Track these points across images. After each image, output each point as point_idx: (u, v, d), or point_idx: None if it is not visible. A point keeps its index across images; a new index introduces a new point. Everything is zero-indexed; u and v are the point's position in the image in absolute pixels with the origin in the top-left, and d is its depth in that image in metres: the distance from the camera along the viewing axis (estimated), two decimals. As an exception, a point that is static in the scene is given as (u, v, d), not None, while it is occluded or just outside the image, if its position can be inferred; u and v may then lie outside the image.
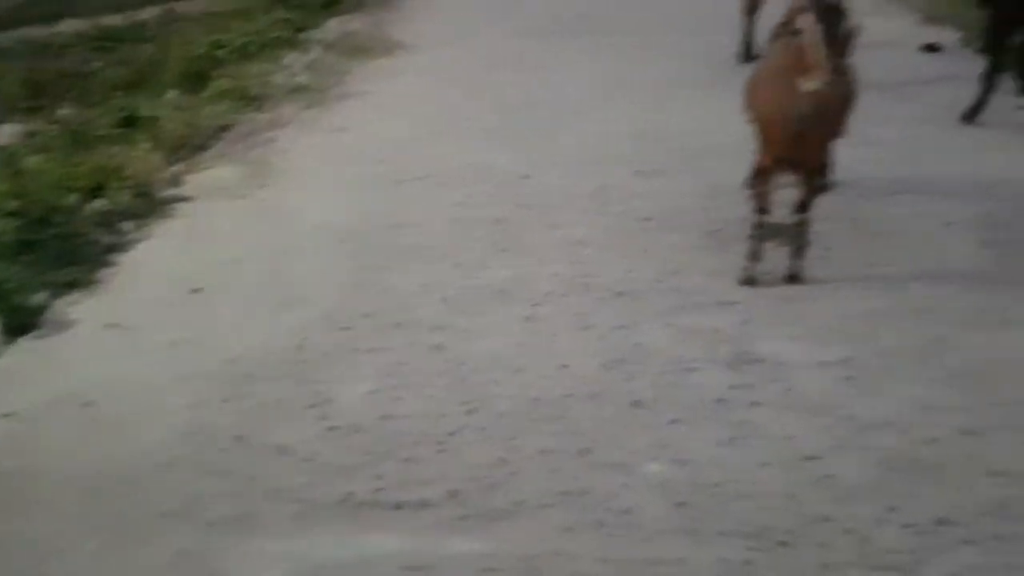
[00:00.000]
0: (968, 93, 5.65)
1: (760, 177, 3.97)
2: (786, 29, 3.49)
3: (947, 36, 7.02)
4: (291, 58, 6.89)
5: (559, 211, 4.73)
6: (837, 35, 3.32)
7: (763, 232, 4.08)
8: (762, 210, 4.03)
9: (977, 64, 5.74)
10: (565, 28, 7.38)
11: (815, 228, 4.42)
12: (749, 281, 4.10)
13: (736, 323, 3.87)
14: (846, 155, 5.15)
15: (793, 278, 4.13)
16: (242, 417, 3.49)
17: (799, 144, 3.76)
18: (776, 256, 4.17)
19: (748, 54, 6.33)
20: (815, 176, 3.97)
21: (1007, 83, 5.81)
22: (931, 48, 6.79)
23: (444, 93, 6.24)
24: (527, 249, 4.40)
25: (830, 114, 3.76)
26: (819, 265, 4.23)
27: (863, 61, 6.50)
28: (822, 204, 4.67)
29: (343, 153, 5.42)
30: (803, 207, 4.03)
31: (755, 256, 4.11)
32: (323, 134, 5.69)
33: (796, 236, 4.09)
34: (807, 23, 3.36)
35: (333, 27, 7.62)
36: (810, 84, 3.41)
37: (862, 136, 5.39)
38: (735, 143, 4.38)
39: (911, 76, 6.39)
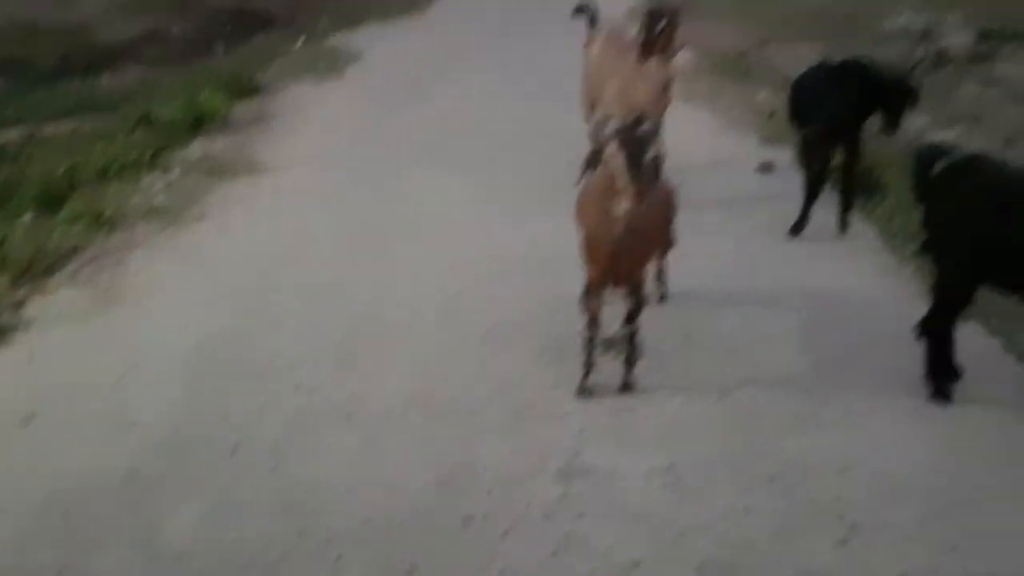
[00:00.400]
0: (797, 209, 6.06)
1: (589, 292, 4.17)
2: (596, 157, 3.74)
3: (782, 156, 7.53)
4: (151, 179, 6.91)
5: (406, 327, 4.83)
6: (642, 162, 3.58)
7: (596, 345, 4.26)
8: (593, 323, 4.22)
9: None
10: (427, 150, 7.64)
11: (651, 339, 4.66)
12: (585, 393, 4.25)
13: (569, 435, 4.00)
14: (683, 269, 5.45)
15: (626, 388, 4.30)
16: (66, 550, 3.41)
17: (618, 262, 3.98)
18: (613, 367, 4.35)
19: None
20: (640, 290, 4.19)
21: (834, 197, 6.27)
22: (766, 167, 7.27)
23: (302, 213, 6.34)
24: (370, 367, 4.47)
25: (646, 233, 4.00)
26: (653, 375, 4.42)
27: (704, 180, 7.08)
28: (659, 316, 4.97)
29: (194, 275, 5.43)
30: (630, 319, 4.23)
31: (590, 368, 4.27)
32: (176, 256, 5.70)
33: (627, 348, 4.29)
34: (612, 152, 3.62)
35: (197, 148, 7.69)
36: (618, 208, 3.65)
37: (699, 250, 5.75)
38: (578, 257, 4.60)
39: (747, 193, 6.81)
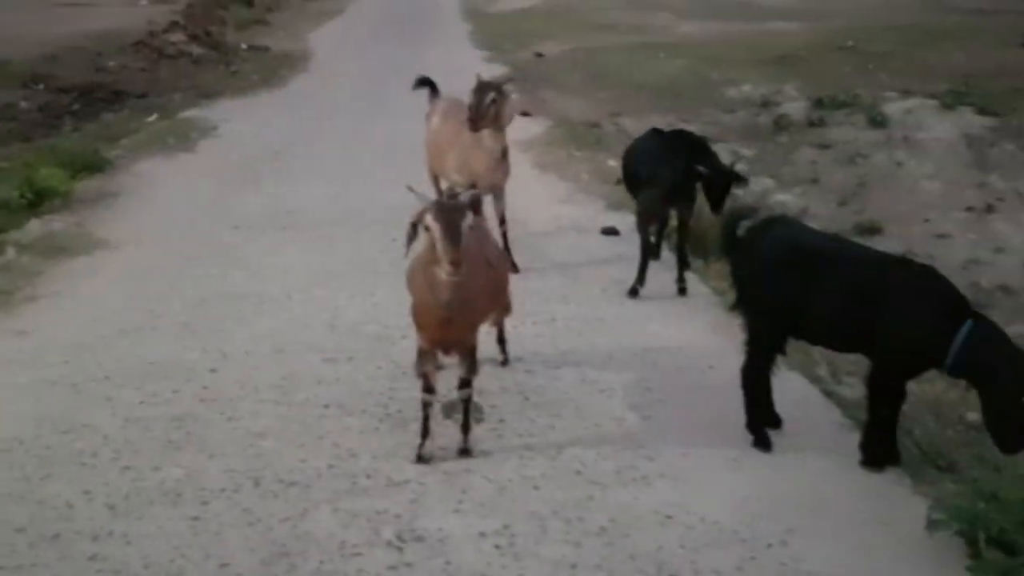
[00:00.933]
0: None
1: (422, 358, 4.23)
2: (414, 229, 3.84)
3: (626, 220, 7.83)
4: (-19, 262, 6.65)
5: (242, 403, 4.76)
6: (459, 231, 3.69)
7: (432, 410, 4.30)
8: (428, 389, 4.26)
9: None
10: (273, 223, 7.62)
11: (491, 402, 4.75)
12: (423, 459, 4.28)
13: (404, 502, 4.01)
14: (525, 332, 5.60)
15: (464, 453, 4.35)
16: None
17: (446, 329, 4.06)
18: (453, 432, 4.40)
19: None
20: (472, 356, 4.27)
21: (671, 259, 6.56)
22: (610, 231, 7.55)
23: (140, 290, 6.20)
24: (204, 445, 4.38)
25: (475, 299, 4.09)
26: (490, 437, 4.50)
27: (550, 244, 7.29)
28: (500, 379, 5.07)
29: (21, 358, 5.23)
30: (464, 385, 4.30)
31: (427, 434, 4.31)
32: (2, 339, 5.48)
33: (463, 412, 4.34)
34: (428, 222, 3.72)
35: (34, 227, 7.44)
36: (440, 275, 3.74)
37: (541, 313, 5.92)
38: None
39: (591, 257, 7.04)
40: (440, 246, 3.68)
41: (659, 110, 15.30)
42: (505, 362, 5.21)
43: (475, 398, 4.36)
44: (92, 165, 9.26)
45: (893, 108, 13.43)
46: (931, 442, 4.60)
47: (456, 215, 3.70)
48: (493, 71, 16.31)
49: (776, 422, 4.61)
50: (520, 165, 9.88)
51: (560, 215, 8.15)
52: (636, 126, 14.40)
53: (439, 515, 3.92)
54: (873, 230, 11.74)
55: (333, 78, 15.12)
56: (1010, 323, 5.29)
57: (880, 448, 4.28)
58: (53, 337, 5.47)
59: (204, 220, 7.77)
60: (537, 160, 10.16)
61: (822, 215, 12.37)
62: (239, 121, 11.82)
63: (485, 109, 5.78)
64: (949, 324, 3.92)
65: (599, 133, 12.40)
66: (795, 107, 14.87)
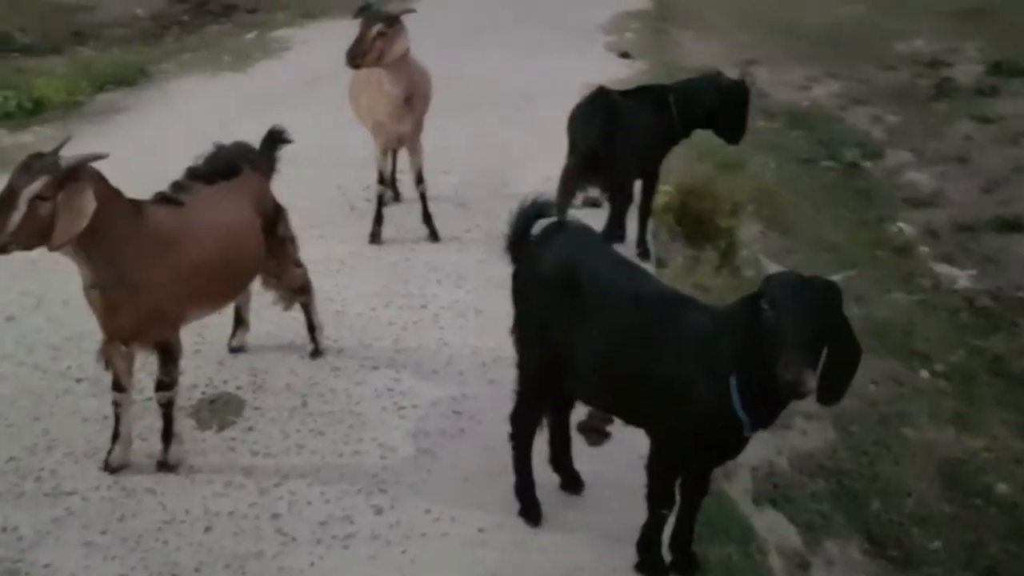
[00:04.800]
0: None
1: (103, 351, 3.45)
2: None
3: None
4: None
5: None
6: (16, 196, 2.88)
7: (123, 410, 3.52)
8: (116, 386, 3.49)
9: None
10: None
11: (260, 403, 3.95)
12: (110, 467, 3.54)
13: (47, 520, 3.29)
14: (378, 317, 4.71)
15: (163, 466, 3.57)
16: None
17: (109, 318, 3.25)
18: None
19: None
20: (165, 354, 3.44)
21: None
22: (592, 203, 6.39)
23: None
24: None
25: (149, 286, 3.24)
26: (221, 449, 3.74)
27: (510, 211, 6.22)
28: (296, 373, 4.23)
29: None
30: (158, 386, 3.49)
31: (116, 437, 3.55)
32: None
33: (163, 418, 3.55)
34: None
35: (2, 137, 7.24)
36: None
37: (415, 297, 5.00)
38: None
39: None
40: None
41: (803, 60, 13.42)
42: (315, 354, 4.35)
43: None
44: (122, 78, 9.01)
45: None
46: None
47: (20, 180, 2.90)
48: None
49: (574, 484, 3.51)
50: (560, 109, 8.79)
51: (554, 174, 6.99)
52: (768, 77, 12.72)
53: (63, 546, 3.18)
54: (1014, 226, 9.71)
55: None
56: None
57: (659, 560, 3.11)
58: None
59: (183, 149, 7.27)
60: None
61: (958, 202, 10.41)
62: (319, 42, 11.27)
63: (369, 44, 4.80)
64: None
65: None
66: (967, 70, 12.62)
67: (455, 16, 12.83)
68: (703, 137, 5.93)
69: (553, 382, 3.18)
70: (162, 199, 3.44)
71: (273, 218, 3.88)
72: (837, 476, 4.33)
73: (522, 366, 3.28)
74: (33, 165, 2.97)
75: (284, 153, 4.12)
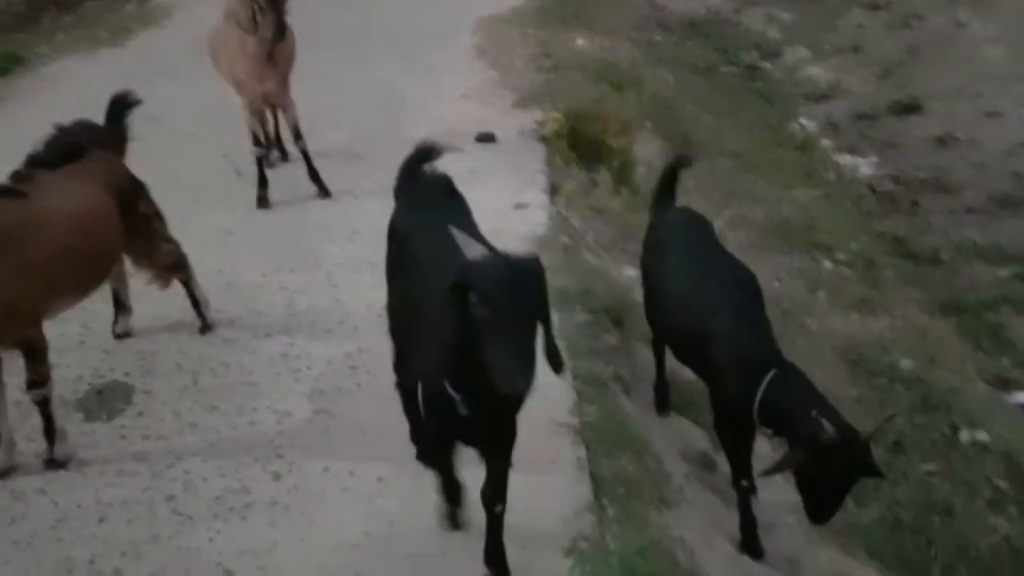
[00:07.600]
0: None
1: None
2: None
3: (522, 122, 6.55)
4: None
5: None
6: None
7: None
8: (-9, 382, 3.39)
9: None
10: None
11: (150, 387, 3.87)
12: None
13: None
14: (267, 284, 4.64)
15: (51, 464, 3.48)
16: None
17: None
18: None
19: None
20: (31, 352, 3.32)
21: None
22: (485, 138, 6.31)
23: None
24: None
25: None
26: (112, 439, 3.62)
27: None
28: (185, 351, 4.15)
29: None
30: (30, 385, 3.39)
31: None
32: None
33: (43, 417, 3.46)
34: None
35: None
36: None
37: (307, 257, 4.91)
38: None
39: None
40: None
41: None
42: (204, 329, 4.26)
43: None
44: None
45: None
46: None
47: None
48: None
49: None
50: (457, 49, 8.65)
51: (449, 115, 6.88)
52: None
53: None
54: (911, 108, 9.86)
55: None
56: None
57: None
58: None
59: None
60: (481, 41, 8.80)
61: (856, 91, 10.52)
62: (201, 7, 10.89)
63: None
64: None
65: (591, 6, 10.72)
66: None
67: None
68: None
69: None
70: (1, 192, 3.30)
71: (130, 195, 3.74)
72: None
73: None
74: None
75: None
